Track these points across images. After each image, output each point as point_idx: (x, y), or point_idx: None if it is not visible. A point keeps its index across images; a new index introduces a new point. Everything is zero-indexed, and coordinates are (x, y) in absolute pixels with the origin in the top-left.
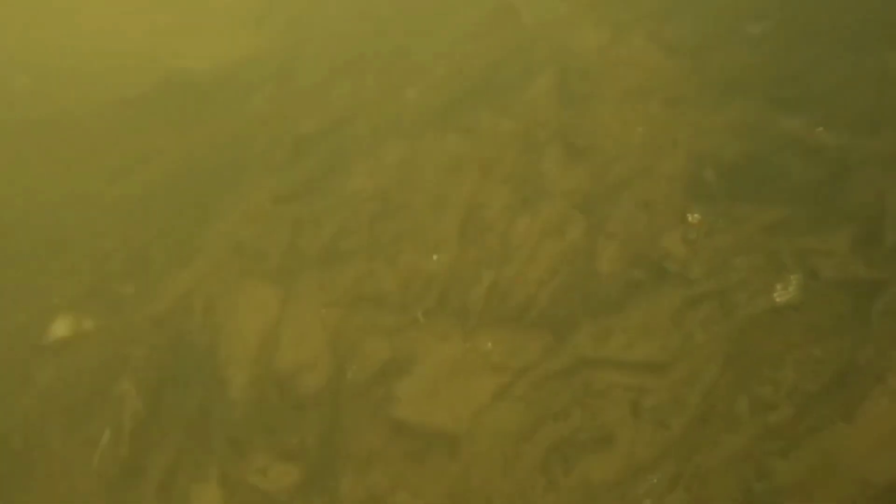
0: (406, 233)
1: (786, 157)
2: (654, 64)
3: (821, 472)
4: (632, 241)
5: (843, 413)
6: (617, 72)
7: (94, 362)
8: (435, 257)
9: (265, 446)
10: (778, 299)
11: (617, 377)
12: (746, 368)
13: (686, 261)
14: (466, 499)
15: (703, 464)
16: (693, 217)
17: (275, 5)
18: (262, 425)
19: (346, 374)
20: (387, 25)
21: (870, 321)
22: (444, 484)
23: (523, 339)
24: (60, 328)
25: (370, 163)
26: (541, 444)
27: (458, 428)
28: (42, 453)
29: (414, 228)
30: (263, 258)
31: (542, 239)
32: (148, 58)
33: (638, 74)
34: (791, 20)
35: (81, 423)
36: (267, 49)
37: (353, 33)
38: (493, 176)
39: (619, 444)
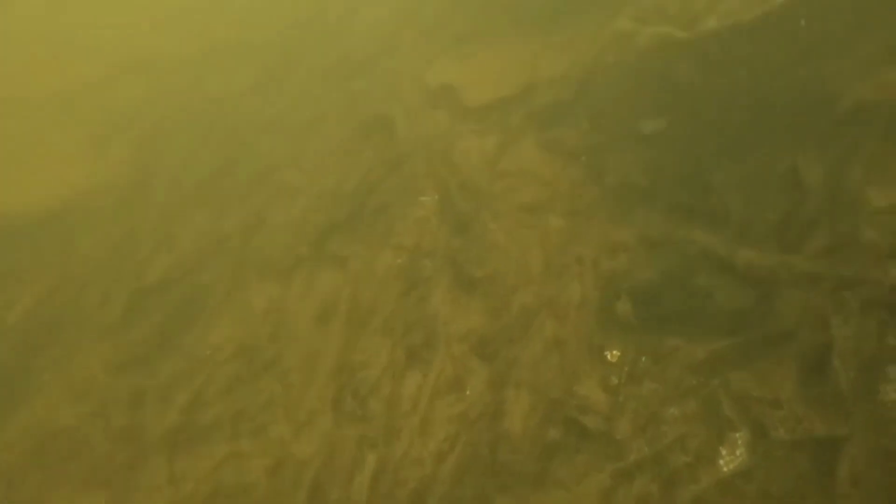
0: (275, 400)
1: (706, 278)
2: (548, 173)
3: None
4: (544, 390)
5: None
6: (508, 185)
7: None
8: (306, 434)
9: None
10: (725, 467)
11: None
12: None
13: (610, 414)
14: None
15: None
16: (612, 354)
17: (119, 129)
18: None
19: None
20: (250, 143)
21: (836, 490)
22: None
23: None
24: None
25: (232, 311)
26: None
27: None
28: None
29: (284, 394)
30: (90, 449)
31: (436, 400)
32: None
33: (532, 186)
34: (684, 117)
35: None
36: (107, 181)
37: (209, 155)
38: (372, 324)
39: None
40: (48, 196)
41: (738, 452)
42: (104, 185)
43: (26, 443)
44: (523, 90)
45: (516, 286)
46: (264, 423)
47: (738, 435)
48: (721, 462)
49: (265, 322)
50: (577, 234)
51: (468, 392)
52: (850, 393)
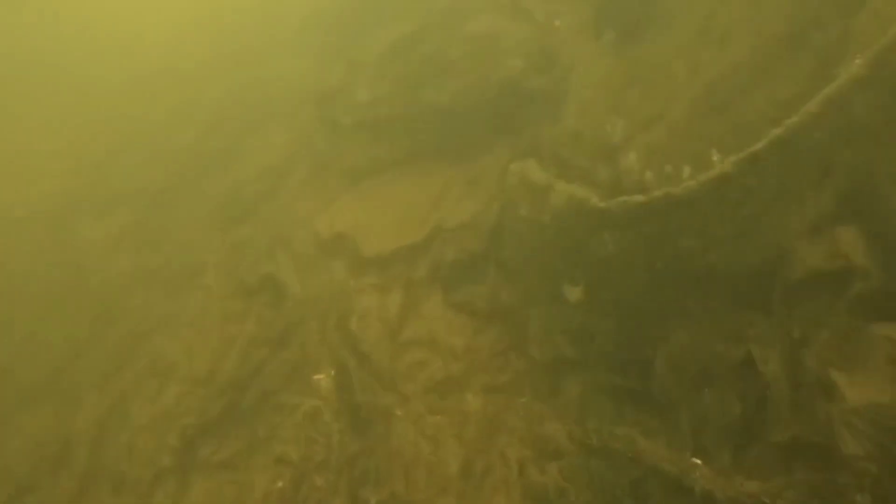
0: None
1: (659, 497)
2: (461, 340)
3: None
4: None
5: None
6: (416, 358)
7: None
8: None
9: None
10: None
11: None
12: None
13: None
14: None
15: None
16: None
17: None
18: None
19: None
20: (117, 305)
21: None
22: None
23: None
24: None
25: None
26: None
27: None
28: None
29: None
30: None
31: None
32: None
33: (443, 358)
34: (612, 285)
35: None
36: None
37: (64, 326)
38: None
39: None
40: None
41: None
42: None
43: None
44: (427, 238)
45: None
46: None
47: None
48: None
49: None
50: (500, 420)
51: None
52: None
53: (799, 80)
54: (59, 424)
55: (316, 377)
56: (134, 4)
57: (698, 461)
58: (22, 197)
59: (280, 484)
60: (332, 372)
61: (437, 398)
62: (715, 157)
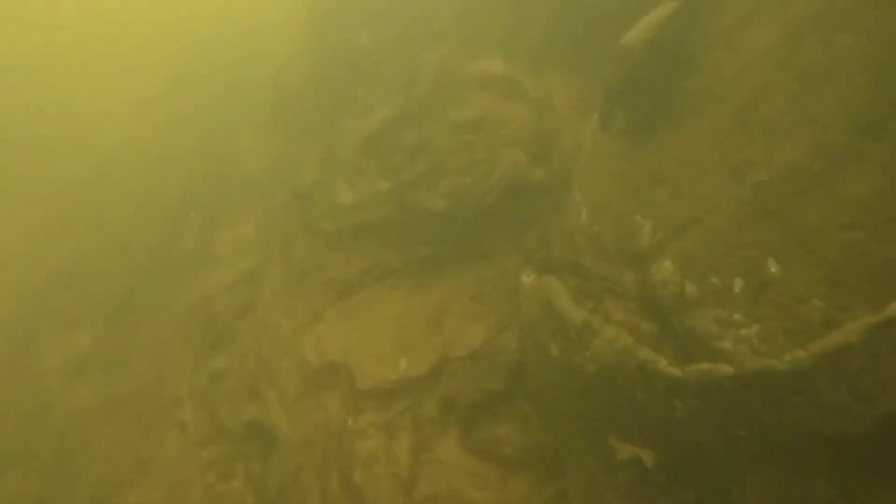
0: None
1: None
2: (488, 501)
3: None
4: None
5: None
6: None
7: None
8: None
9: None
10: None
11: None
12: None
13: None
14: None
15: None
16: None
17: None
18: None
19: None
20: (83, 444)
21: None
22: None
23: None
24: None
25: None
26: None
27: None
28: None
29: None
30: None
31: None
32: None
33: None
34: (670, 445)
35: None
36: None
37: (25, 478)
38: None
39: None
40: None
41: None
42: None
43: None
44: (433, 370)
45: None
46: None
47: None
48: None
49: None
50: None
51: None
52: None
53: (874, 177)
54: None
55: None
56: (92, 80)
57: None
58: None
59: None
60: None
61: None
62: (773, 269)
